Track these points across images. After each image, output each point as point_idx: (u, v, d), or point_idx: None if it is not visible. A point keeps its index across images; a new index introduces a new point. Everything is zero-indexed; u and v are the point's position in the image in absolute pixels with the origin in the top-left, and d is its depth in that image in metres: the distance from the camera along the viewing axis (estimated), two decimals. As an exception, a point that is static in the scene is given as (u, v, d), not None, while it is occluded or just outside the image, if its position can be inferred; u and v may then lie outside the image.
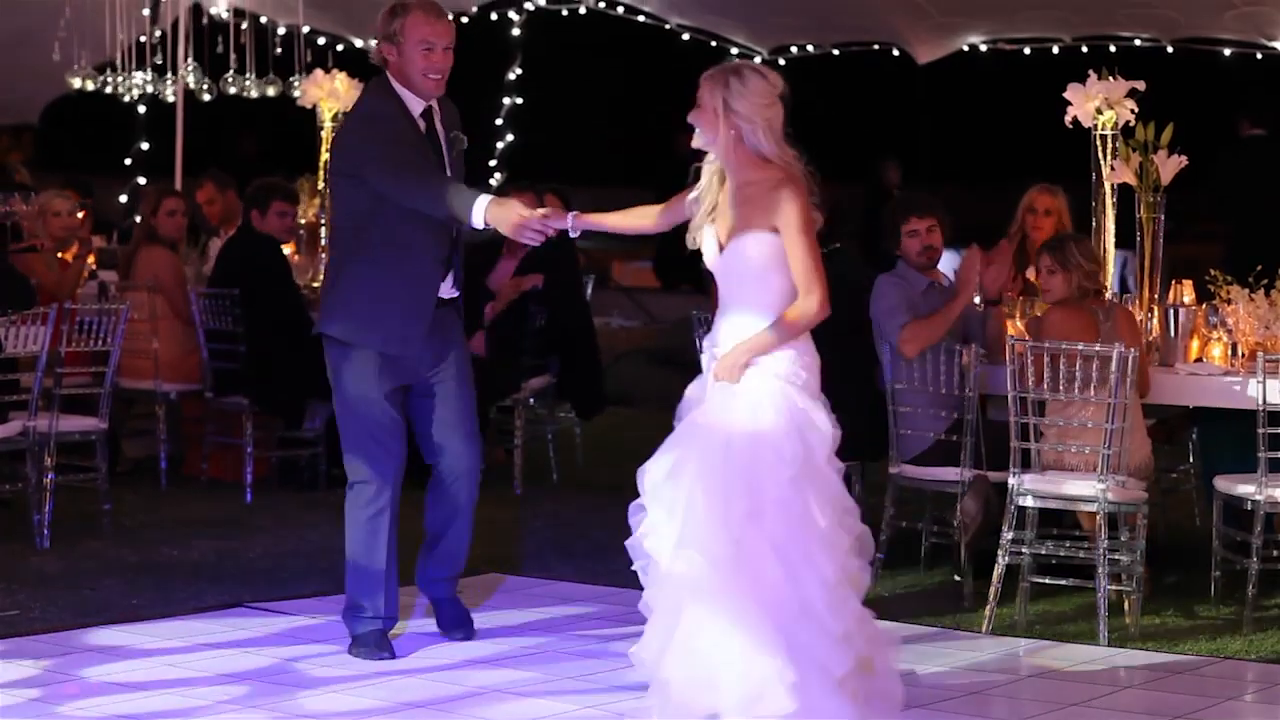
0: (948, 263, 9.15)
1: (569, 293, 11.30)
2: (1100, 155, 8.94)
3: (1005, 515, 7.98)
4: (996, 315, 8.78)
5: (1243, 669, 7.40)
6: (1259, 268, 8.57)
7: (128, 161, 15.29)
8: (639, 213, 6.67)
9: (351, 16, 15.26)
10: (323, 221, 11.99)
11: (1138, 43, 14.25)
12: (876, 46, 15.71)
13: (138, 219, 12.09)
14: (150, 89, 14.08)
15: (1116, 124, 8.87)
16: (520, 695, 6.79)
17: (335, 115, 11.75)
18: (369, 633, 7.25)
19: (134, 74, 13.91)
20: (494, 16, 15.83)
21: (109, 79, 13.91)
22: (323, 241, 11.95)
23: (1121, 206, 8.95)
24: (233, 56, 13.94)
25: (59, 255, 11.02)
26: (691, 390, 6.27)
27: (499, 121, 16.37)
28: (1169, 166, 8.71)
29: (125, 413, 11.34)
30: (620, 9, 15.65)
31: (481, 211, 6.81)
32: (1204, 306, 8.70)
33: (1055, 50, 14.74)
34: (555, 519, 10.10)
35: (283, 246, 11.12)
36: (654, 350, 15.19)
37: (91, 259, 11.77)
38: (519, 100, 16.37)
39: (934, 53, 15.28)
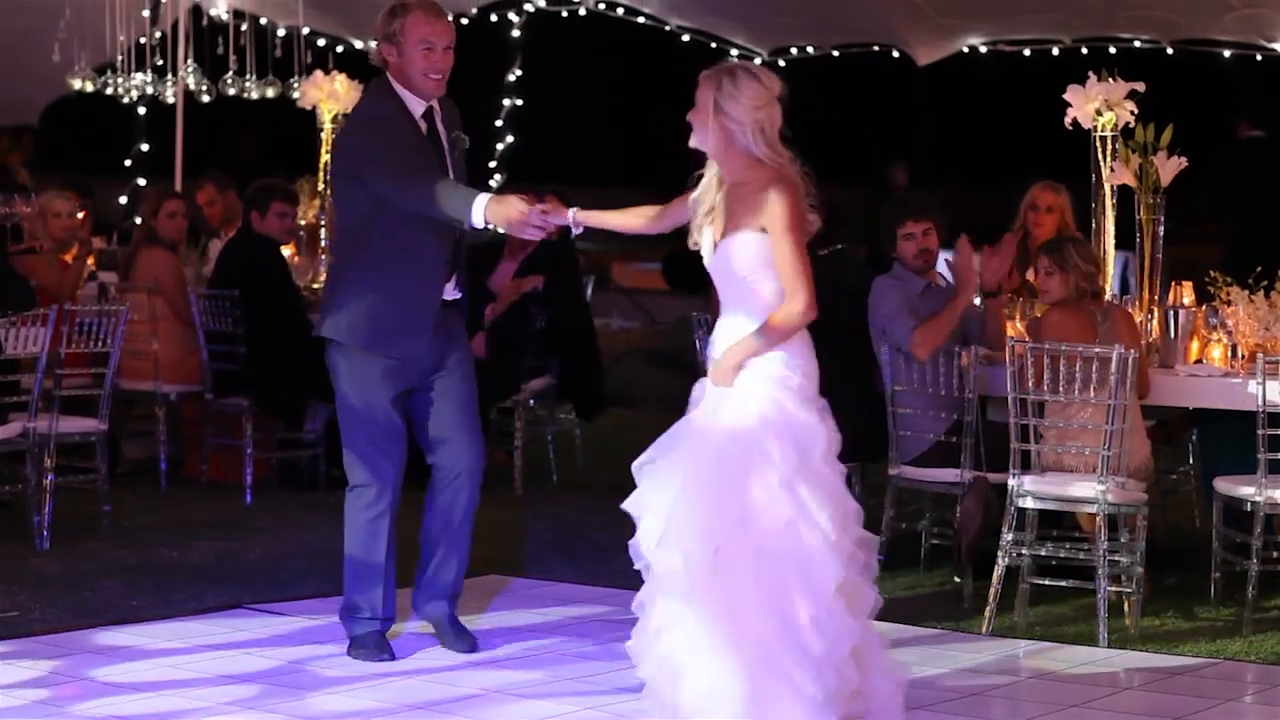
0: (942, 263, 9.16)
1: (569, 294, 11.30)
2: (1100, 157, 8.94)
3: (1005, 517, 7.98)
4: (994, 308, 8.78)
5: (1242, 670, 7.40)
6: (1259, 269, 8.57)
7: (127, 163, 15.28)
8: (640, 212, 6.63)
9: (351, 18, 15.26)
10: (322, 223, 11.99)
11: (1137, 44, 14.24)
12: (876, 48, 15.69)
13: (138, 220, 12.09)
14: (150, 90, 14.08)
15: (1116, 125, 8.87)
16: (521, 697, 6.79)
17: (335, 117, 11.75)
18: (368, 634, 7.25)
19: (134, 75, 13.91)
20: (494, 18, 15.81)
21: (109, 80, 13.91)
22: (323, 243, 11.95)
23: (1121, 208, 8.96)
24: (232, 58, 13.94)
25: (59, 256, 11.02)
26: (695, 391, 6.25)
27: (499, 123, 16.36)
28: (1169, 168, 8.71)
29: (125, 414, 11.34)
30: (620, 10, 15.64)
31: (481, 210, 6.77)
32: (1204, 308, 8.70)
33: (1055, 52, 14.73)
34: (555, 520, 10.10)
35: (283, 248, 11.13)
36: (654, 351, 15.20)
37: (91, 260, 11.77)
38: (519, 102, 16.36)
39: (934, 54, 15.27)
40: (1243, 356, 8.46)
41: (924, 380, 8.55)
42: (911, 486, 8.82)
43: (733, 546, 5.89)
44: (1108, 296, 8.77)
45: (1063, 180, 10.11)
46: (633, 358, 15.06)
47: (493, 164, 16.31)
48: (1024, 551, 7.99)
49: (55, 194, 11.60)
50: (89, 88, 14.00)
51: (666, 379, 13.14)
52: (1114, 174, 8.83)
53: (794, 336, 6.06)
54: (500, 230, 6.92)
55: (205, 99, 13.86)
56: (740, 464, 5.93)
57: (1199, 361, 8.58)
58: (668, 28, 15.76)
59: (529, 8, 15.78)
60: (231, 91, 13.82)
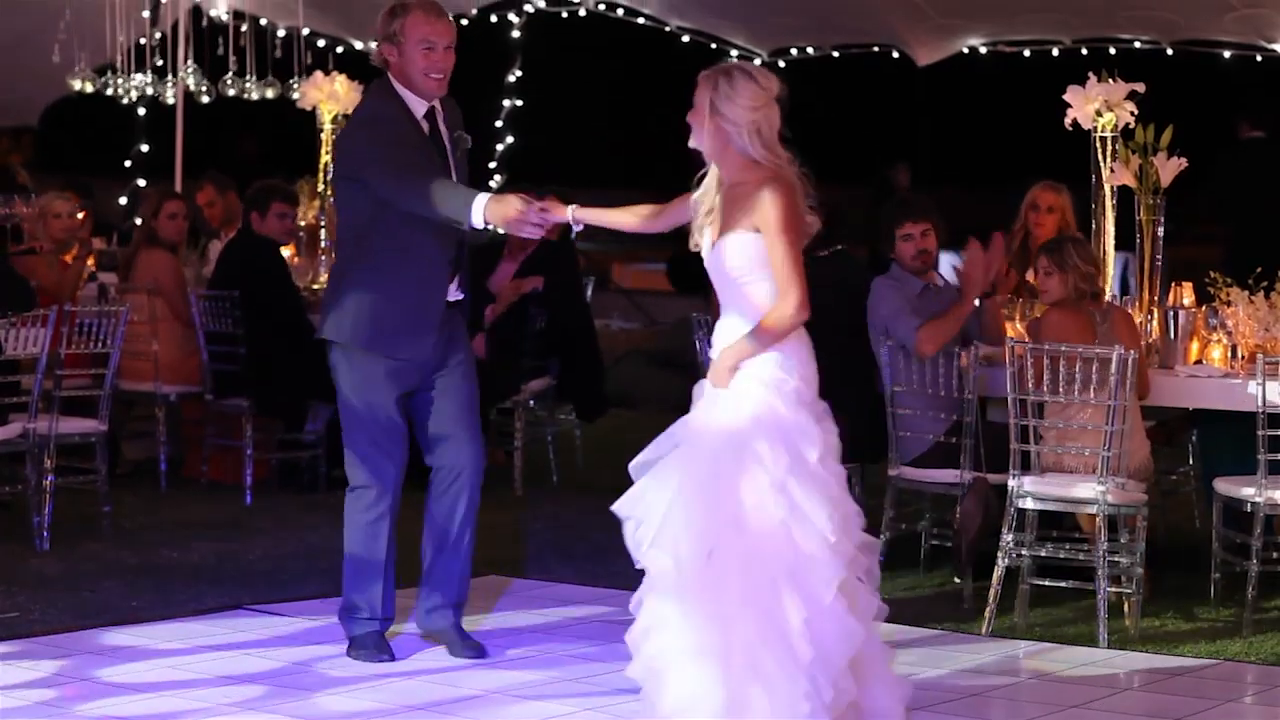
0: (945, 263, 9.16)
1: (569, 295, 11.30)
2: (1100, 157, 8.94)
3: (1005, 517, 7.99)
4: (992, 308, 8.79)
5: (1242, 671, 7.40)
6: (1259, 270, 8.57)
7: (127, 163, 15.28)
8: (639, 211, 6.59)
9: (351, 19, 15.25)
10: (322, 224, 11.99)
11: (1137, 45, 14.23)
12: (876, 48, 15.69)
13: (138, 221, 12.09)
14: (150, 91, 14.08)
15: (1116, 126, 8.87)
16: (521, 698, 6.79)
17: (335, 117, 11.75)
18: (367, 634, 7.25)
19: (134, 76, 13.91)
20: (494, 19, 15.82)
21: (109, 81, 13.91)
22: (323, 244, 11.95)
23: (1121, 209, 8.96)
24: (232, 59, 13.94)
25: (59, 257, 11.02)
26: (695, 392, 6.24)
27: (499, 123, 16.37)
28: (1169, 169, 8.71)
29: (125, 415, 11.34)
30: (620, 11, 15.64)
31: (480, 210, 6.74)
32: (1204, 308, 8.70)
33: (1055, 52, 14.73)
34: (555, 521, 10.10)
35: (282, 248, 11.13)
36: (654, 352, 15.20)
37: (91, 261, 11.77)
38: (519, 102, 16.36)
39: (934, 55, 15.27)
40: (1242, 357, 8.46)
41: (924, 381, 8.55)
42: (911, 487, 8.81)
43: (725, 549, 5.84)
44: (1107, 297, 8.77)
45: (1063, 181, 10.11)
46: (633, 358, 15.06)
47: (493, 164, 16.31)
48: (1024, 552, 7.99)
49: (55, 195, 11.60)
50: (89, 88, 13.99)
51: (666, 380, 13.16)
52: (1114, 175, 8.83)
53: (791, 338, 6.01)
54: (500, 230, 6.91)
55: (205, 100, 13.85)
56: (733, 466, 5.89)
57: (1199, 362, 8.58)
58: (667, 28, 15.76)
59: (529, 8, 15.78)
60: (231, 92, 13.82)
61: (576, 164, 22.34)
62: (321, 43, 15.05)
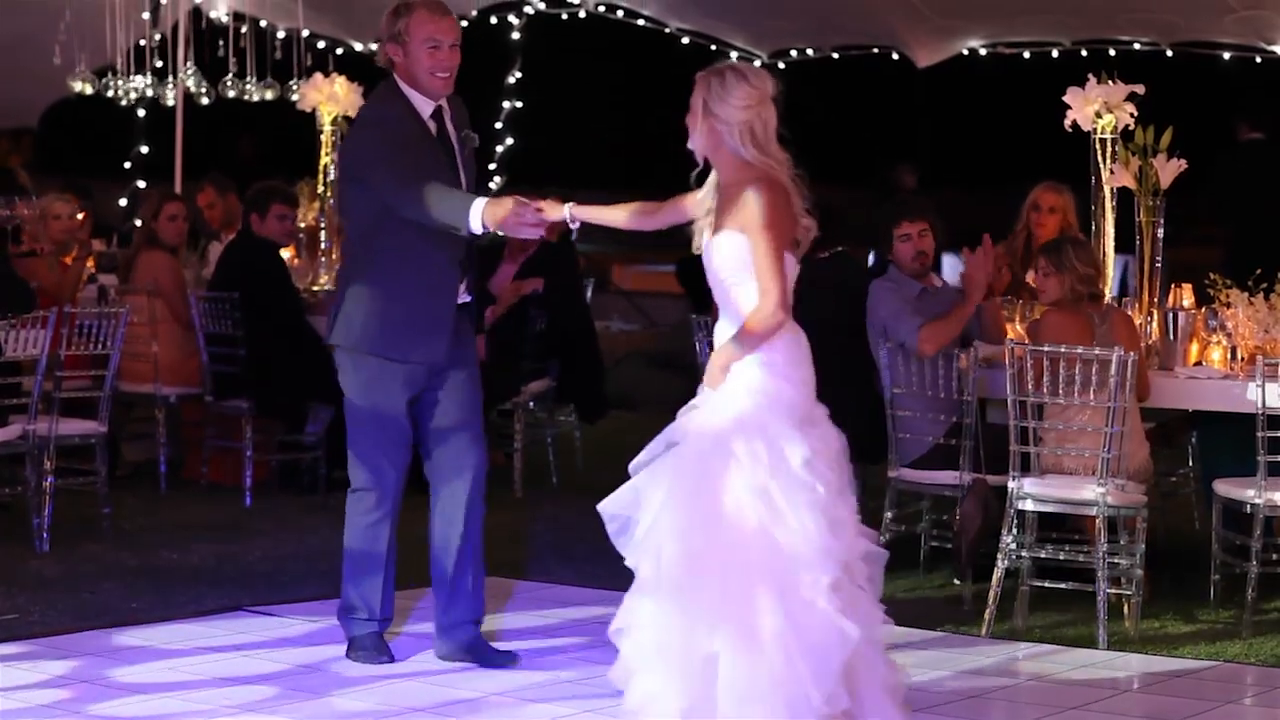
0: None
1: (569, 296, 11.30)
2: (1100, 159, 8.95)
3: (1004, 519, 7.99)
4: (991, 307, 8.78)
5: (1242, 673, 7.40)
6: (1258, 271, 8.57)
7: (127, 165, 15.28)
8: (636, 208, 6.54)
9: (351, 20, 15.25)
10: (322, 225, 11.99)
11: (1137, 46, 14.23)
12: (876, 50, 15.68)
13: (138, 223, 12.09)
14: (150, 92, 14.08)
15: (1116, 128, 8.88)
16: (522, 700, 6.79)
17: (335, 119, 11.76)
18: (366, 635, 7.24)
19: (134, 77, 13.91)
20: (494, 20, 15.81)
21: (109, 82, 13.91)
22: (323, 245, 11.95)
23: (1121, 210, 8.96)
24: (232, 60, 13.94)
25: (59, 259, 11.03)
26: (699, 393, 6.22)
27: (499, 125, 16.36)
28: (1168, 170, 8.72)
29: (125, 416, 11.34)
30: (620, 12, 15.64)
31: (479, 215, 6.71)
32: (1203, 310, 8.70)
33: (1055, 54, 14.72)
34: (555, 522, 10.10)
35: (282, 250, 11.13)
36: (654, 353, 15.20)
37: (91, 262, 11.77)
38: (519, 104, 16.36)
39: (933, 56, 15.26)
40: (1242, 359, 8.46)
41: (923, 383, 8.55)
42: (911, 489, 8.81)
43: (705, 551, 5.79)
44: (1107, 299, 8.77)
45: (1063, 183, 10.10)
46: (632, 360, 15.06)
47: (493, 166, 16.31)
48: (1023, 554, 7.99)
49: (55, 196, 11.61)
50: (89, 90, 13.99)
51: (666, 381, 13.15)
52: (1114, 176, 8.84)
53: (781, 339, 5.93)
54: (500, 233, 6.88)
55: (205, 101, 13.86)
56: (716, 468, 5.85)
57: (1198, 364, 8.58)
58: (667, 30, 15.76)
59: (529, 10, 15.78)
60: (231, 94, 13.82)
61: (577, 165, 22.35)
62: (321, 44, 15.05)
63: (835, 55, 16.06)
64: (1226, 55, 14.07)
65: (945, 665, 7.32)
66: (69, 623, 7.74)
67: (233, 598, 8.23)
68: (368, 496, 7.19)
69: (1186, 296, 8.70)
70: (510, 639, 7.57)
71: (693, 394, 6.12)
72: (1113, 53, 14.10)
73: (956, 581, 8.59)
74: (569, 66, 22.79)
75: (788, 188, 5.99)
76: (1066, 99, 8.95)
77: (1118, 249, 9.16)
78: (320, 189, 12.02)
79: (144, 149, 15.14)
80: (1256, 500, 7.93)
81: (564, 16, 15.93)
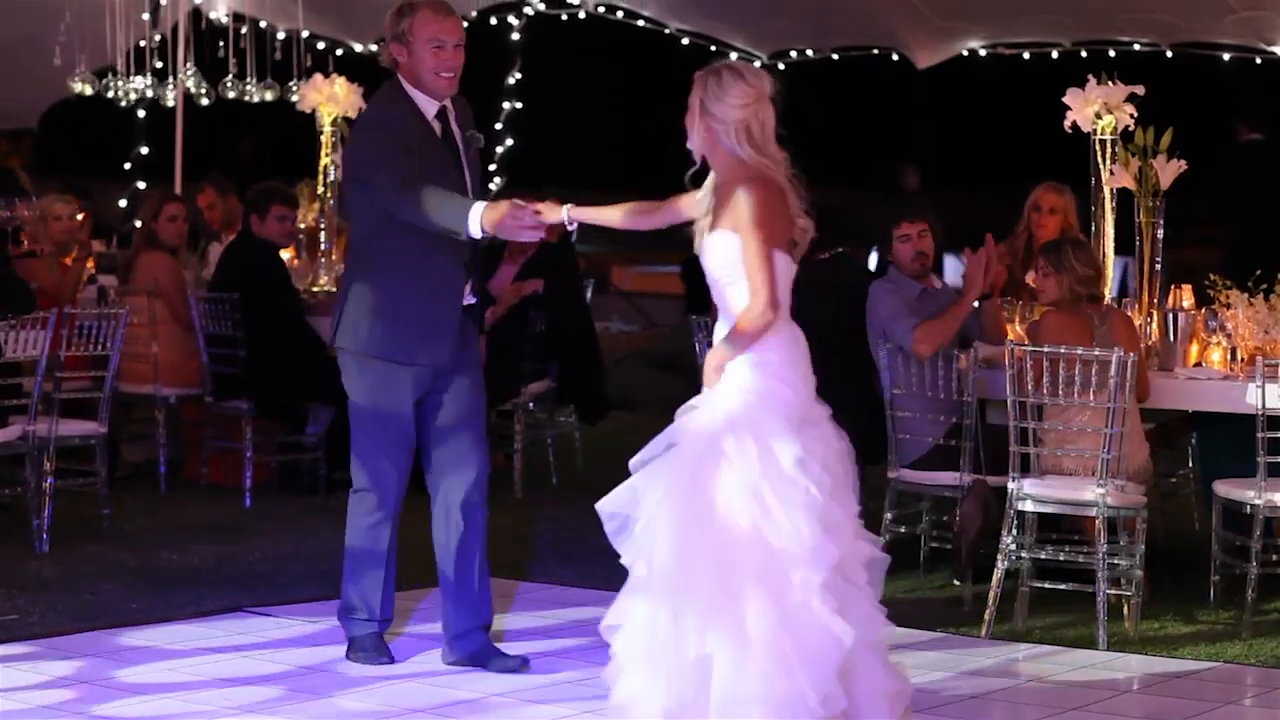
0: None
1: (569, 297, 11.30)
2: (1099, 160, 8.95)
3: (1004, 520, 7.99)
4: (991, 308, 8.77)
5: (1242, 673, 7.40)
6: (1258, 272, 8.57)
7: (127, 166, 15.28)
8: (633, 208, 6.49)
9: (351, 21, 15.25)
10: (322, 226, 11.99)
11: (1137, 47, 14.23)
12: (876, 51, 15.69)
13: (138, 224, 12.10)
14: (150, 93, 14.09)
15: (1116, 129, 8.88)
16: (522, 701, 6.79)
17: (334, 120, 11.76)
18: (366, 636, 7.23)
19: (134, 78, 13.91)
20: (494, 21, 15.82)
21: (109, 83, 13.91)
22: (323, 246, 11.95)
23: (1121, 211, 8.96)
24: (232, 61, 13.95)
25: (59, 260, 11.03)
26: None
27: (498, 126, 16.37)
28: (1168, 171, 8.71)
29: (125, 417, 11.34)
30: (620, 13, 15.65)
31: (477, 220, 6.65)
32: (1203, 311, 8.70)
33: (1055, 55, 14.73)
34: (555, 523, 10.10)
35: (282, 251, 11.13)
36: (654, 354, 15.20)
37: (90, 263, 11.77)
38: (519, 105, 16.36)
39: (933, 57, 15.27)
40: (1242, 360, 8.46)
41: (923, 383, 8.55)
42: (911, 489, 8.81)
43: (697, 551, 5.77)
44: (1107, 300, 8.77)
45: (1063, 184, 10.10)
46: (632, 361, 15.06)
47: (493, 167, 16.31)
48: (1023, 555, 7.99)
49: (55, 197, 11.61)
50: (89, 91, 13.99)
51: (666, 382, 13.14)
52: (1114, 177, 8.83)
53: (774, 339, 5.90)
54: (500, 237, 6.85)
55: (205, 102, 13.87)
56: (708, 468, 5.83)
57: (1198, 365, 8.57)
58: (667, 31, 15.76)
59: (529, 11, 15.78)
60: (231, 95, 13.82)
61: (576, 166, 22.34)
62: (321, 45, 15.05)
63: (835, 56, 16.06)
64: (1226, 56, 14.07)
65: (945, 666, 7.32)
66: (69, 624, 7.74)
67: (232, 598, 8.23)
68: (370, 497, 7.17)
69: (1186, 297, 8.70)
70: (511, 640, 7.57)
71: (692, 395, 6.12)
72: (1112, 53, 14.10)
73: (956, 582, 8.59)
74: (569, 67, 22.82)
75: (783, 187, 5.96)
76: (1066, 100, 8.95)
77: (1118, 250, 9.16)
78: (320, 190, 12.02)
79: (144, 150, 15.14)
80: (1256, 501, 7.93)
81: (564, 17, 15.94)
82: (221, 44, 14.08)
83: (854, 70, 17.27)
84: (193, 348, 10.81)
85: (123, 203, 15.15)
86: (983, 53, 15.09)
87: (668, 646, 5.77)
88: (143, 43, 14.09)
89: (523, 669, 7.14)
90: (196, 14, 14.32)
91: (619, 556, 6.02)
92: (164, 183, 13.95)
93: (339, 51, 15.22)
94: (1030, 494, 7.93)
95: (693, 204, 6.20)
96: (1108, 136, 8.90)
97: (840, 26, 15.34)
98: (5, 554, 8.98)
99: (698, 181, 6.17)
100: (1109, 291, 9.04)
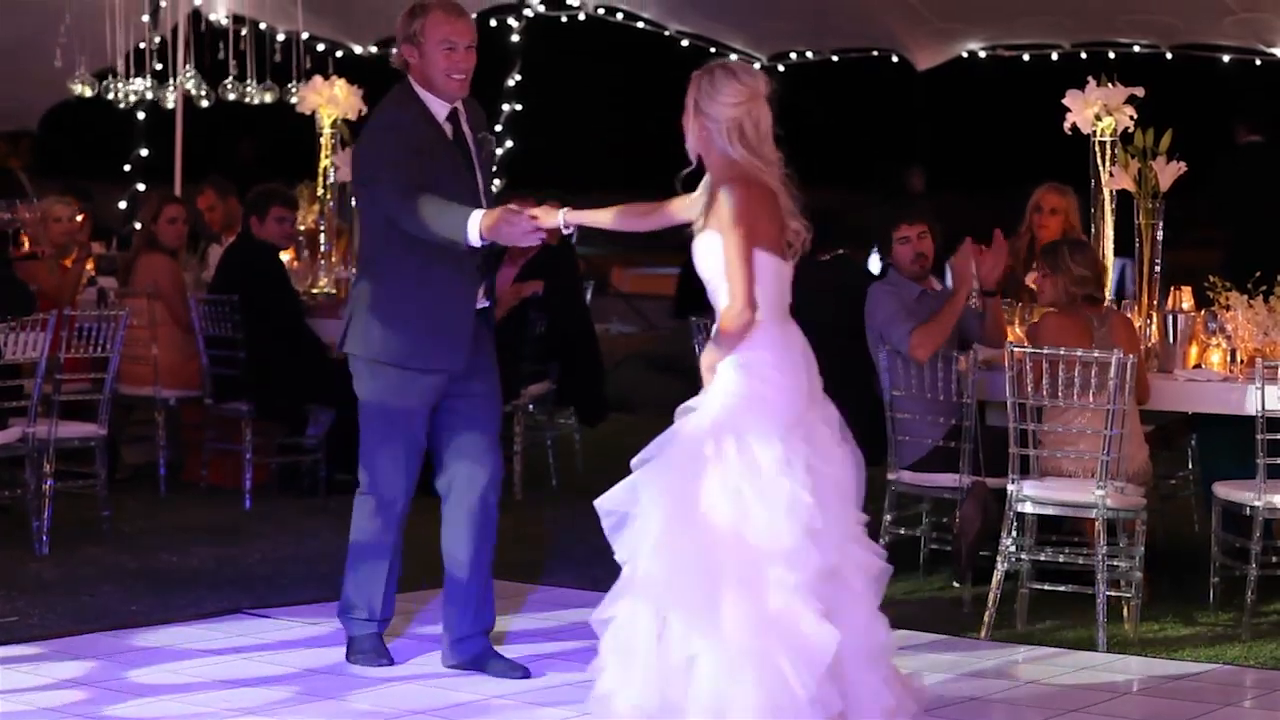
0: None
1: (569, 299, 11.30)
2: (1099, 161, 8.95)
3: (1004, 521, 7.99)
4: (993, 307, 8.76)
5: (1241, 675, 7.40)
6: (1258, 274, 8.57)
7: (127, 168, 15.29)
8: (630, 209, 6.50)
9: (350, 23, 15.26)
10: (322, 228, 11.99)
11: (1136, 49, 14.24)
12: (875, 53, 15.70)
13: (137, 225, 12.10)
14: (149, 95, 14.09)
15: (1115, 130, 8.88)
16: (521, 703, 6.79)
17: (334, 122, 11.77)
18: (365, 637, 7.21)
19: (133, 80, 13.92)
20: (493, 23, 15.82)
21: (108, 85, 13.91)
22: (323, 248, 11.96)
23: (1121, 213, 8.96)
24: (232, 63, 13.95)
25: (59, 261, 11.03)
26: None
27: (499, 128, 16.37)
28: (1168, 173, 8.72)
29: (124, 419, 11.35)
30: (619, 15, 15.65)
31: (476, 228, 6.61)
32: (1203, 313, 8.70)
33: (1054, 56, 14.74)
34: (555, 525, 10.10)
35: (282, 253, 11.13)
36: (653, 356, 15.21)
37: (90, 265, 11.78)
38: (518, 106, 16.36)
39: (933, 59, 15.28)
40: (1241, 361, 8.46)
41: (922, 385, 8.55)
42: (910, 491, 8.81)
43: (682, 554, 5.78)
44: (1107, 302, 8.77)
45: (1064, 184, 10.10)
46: (632, 362, 15.06)
47: (492, 169, 16.31)
48: (1023, 556, 7.99)
49: (55, 199, 11.62)
50: (88, 93, 14.00)
51: (666, 384, 13.13)
52: (1113, 179, 8.84)
53: (765, 340, 5.89)
54: (500, 243, 6.80)
55: (204, 104, 13.87)
56: (692, 469, 5.81)
57: (1198, 366, 8.57)
58: (667, 32, 15.77)
59: (528, 12, 15.79)
60: (231, 96, 13.82)
61: (576, 168, 22.36)
62: (320, 47, 15.06)
63: (835, 58, 16.07)
64: (1226, 58, 14.09)
65: (945, 668, 7.32)
66: (69, 625, 7.74)
67: (232, 600, 8.23)
68: (377, 500, 7.11)
69: (1186, 299, 8.70)
70: (511, 641, 7.57)
71: (692, 396, 6.12)
72: (1112, 55, 14.11)
73: (956, 584, 8.59)
74: (569, 69, 22.81)
75: (772, 188, 5.92)
76: (1066, 101, 8.96)
77: (1117, 252, 9.16)
78: (320, 192, 12.02)
79: (144, 152, 15.15)
80: (1256, 503, 7.93)
81: (564, 19, 15.95)
82: (221, 46, 14.09)
83: (853, 72, 17.28)
84: (192, 350, 10.82)
85: (122, 205, 15.17)
86: (982, 54, 15.10)
87: (649, 645, 5.78)
88: (142, 44, 14.10)
89: (522, 676, 7.10)
90: (196, 16, 14.33)
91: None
92: (164, 185, 13.96)
93: (339, 53, 15.24)
94: (1030, 496, 7.93)
95: (685, 207, 6.19)
96: (1107, 138, 8.91)
97: (839, 28, 15.35)
98: (5, 556, 8.98)
99: (690, 183, 6.16)
100: (1107, 293, 9.04)
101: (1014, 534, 7.96)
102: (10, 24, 14.47)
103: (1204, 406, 8.46)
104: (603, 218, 6.60)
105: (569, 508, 10.46)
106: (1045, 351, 7.88)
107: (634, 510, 5.90)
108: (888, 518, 8.69)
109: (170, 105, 14.16)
